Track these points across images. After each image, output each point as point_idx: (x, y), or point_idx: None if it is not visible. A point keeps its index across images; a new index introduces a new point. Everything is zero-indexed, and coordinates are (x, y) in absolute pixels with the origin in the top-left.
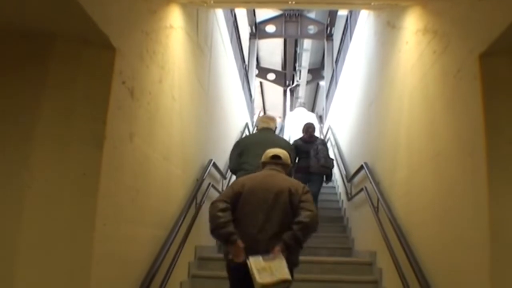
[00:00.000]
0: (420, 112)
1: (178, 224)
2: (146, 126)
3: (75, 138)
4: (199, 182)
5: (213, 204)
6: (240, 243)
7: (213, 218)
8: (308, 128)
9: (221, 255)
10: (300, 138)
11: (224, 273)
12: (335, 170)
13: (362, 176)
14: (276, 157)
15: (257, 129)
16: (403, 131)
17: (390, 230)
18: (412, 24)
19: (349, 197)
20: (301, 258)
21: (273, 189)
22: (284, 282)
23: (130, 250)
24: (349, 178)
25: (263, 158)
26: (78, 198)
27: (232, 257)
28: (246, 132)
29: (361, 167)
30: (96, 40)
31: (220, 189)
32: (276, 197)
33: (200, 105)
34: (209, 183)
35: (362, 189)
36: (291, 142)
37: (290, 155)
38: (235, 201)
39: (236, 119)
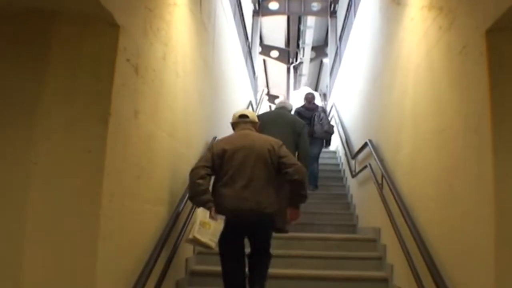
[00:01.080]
0: (425, 88)
1: (183, 201)
2: (151, 103)
3: (80, 115)
4: None
5: (193, 170)
6: (213, 211)
7: (192, 185)
8: (308, 95)
9: None
10: (302, 106)
11: None
12: (339, 148)
13: (366, 153)
14: (244, 116)
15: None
16: (408, 108)
17: (394, 206)
18: (417, 1)
19: (353, 174)
20: (306, 235)
21: (253, 148)
22: (208, 247)
23: (136, 226)
24: (353, 155)
25: (232, 119)
26: (84, 175)
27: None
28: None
29: (365, 144)
30: (100, 17)
31: None
32: (257, 156)
33: (204, 82)
34: None
35: (366, 166)
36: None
37: (303, 132)
38: (216, 163)
39: (239, 97)
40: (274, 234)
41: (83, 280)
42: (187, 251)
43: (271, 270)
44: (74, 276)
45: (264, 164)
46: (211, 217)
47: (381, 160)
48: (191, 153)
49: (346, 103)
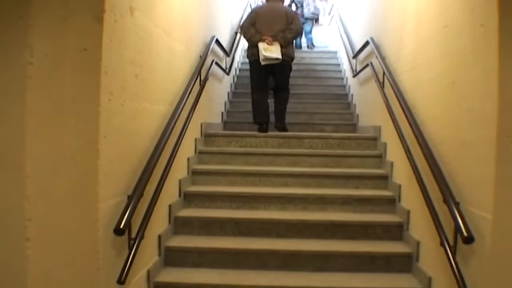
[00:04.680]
0: None
1: (183, 100)
2: (146, 0)
3: (73, 12)
4: (203, 58)
5: (242, 26)
6: (268, 39)
7: (246, 32)
8: None
9: (226, 132)
10: None
11: (229, 149)
12: (341, 48)
13: (368, 52)
14: None
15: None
16: (411, 4)
17: (395, 104)
18: None
19: (354, 73)
20: (307, 134)
21: (276, 12)
22: (277, 59)
23: (137, 126)
24: (354, 55)
25: None
26: (81, 73)
27: (250, 56)
28: (248, 9)
29: (367, 43)
30: None
31: (224, 66)
32: (279, 16)
33: None
34: (213, 60)
35: (367, 65)
36: None
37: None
38: (253, 21)
39: None
40: (275, 133)
41: (85, 180)
42: (187, 151)
43: (273, 168)
44: (76, 175)
45: (282, 20)
46: (268, 42)
47: (383, 58)
48: (190, 52)
49: (347, 1)
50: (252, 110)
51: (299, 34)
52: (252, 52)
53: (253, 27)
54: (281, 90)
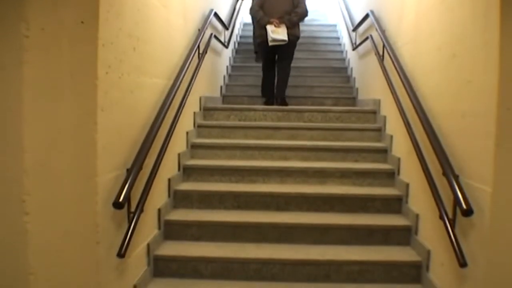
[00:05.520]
0: None
1: (182, 73)
2: None
3: None
4: (201, 32)
5: (252, 8)
6: (275, 22)
7: (255, 14)
8: None
9: (225, 106)
10: None
11: (228, 123)
12: (341, 21)
13: (368, 24)
14: None
15: None
16: None
17: (395, 77)
18: None
19: (354, 46)
20: (306, 107)
21: None
22: (283, 40)
23: (135, 99)
24: (354, 28)
25: None
26: (78, 46)
27: (258, 37)
28: None
29: (367, 16)
30: None
31: (222, 40)
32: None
33: None
34: (211, 34)
35: (367, 38)
36: None
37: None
38: (262, 4)
39: None
40: (274, 107)
41: (84, 153)
42: (186, 125)
43: (272, 142)
44: (75, 149)
45: (288, 3)
46: (275, 25)
47: (383, 31)
48: (188, 25)
49: None
50: (262, 86)
51: (305, 16)
52: (261, 33)
53: (261, 10)
54: (284, 59)
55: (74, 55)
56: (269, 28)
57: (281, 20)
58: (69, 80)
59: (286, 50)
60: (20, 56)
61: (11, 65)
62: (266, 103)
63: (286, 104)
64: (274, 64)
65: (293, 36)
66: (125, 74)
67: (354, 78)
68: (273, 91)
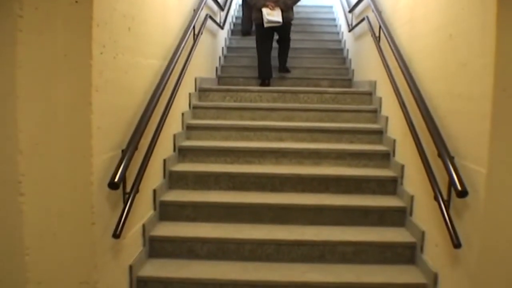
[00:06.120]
0: None
1: (177, 54)
2: None
3: None
4: (196, 12)
5: None
6: (270, 5)
7: (251, 1)
8: None
9: (221, 87)
10: None
11: (224, 103)
12: (337, 2)
13: (364, 5)
14: None
15: None
16: None
17: (391, 58)
18: None
19: (350, 28)
20: (301, 88)
21: None
22: (278, 22)
23: (130, 79)
24: (350, 9)
25: None
26: (72, 26)
27: (255, 19)
28: None
29: None
30: None
31: (218, 21)
32: None
33: None
34: (207, 14)
35: (363, 19)
36: None
37: None
38: None
39: None
40: (269, 88)
41: (79, 134)
42: (181, 106)
43: (268, 123)
44: (70, 129)
45: None
46: (270, 8)
47: (379, 12)
48: (183, 5)
49: None
50: (258, 67)
51: (298, 0)
52: (257, 15)
53: None
54: (283, 40)
55: (68, 35)
56: (265, 11)
57: (276, 4)
58: (63, 60)
59: (282, 30)
60: (14, 36)
61: (5, 45)
62: (261, 85)
63: (288, 71)
64: (270, 46)
65: (288, 19)
66: (119, 54)
67: (350, 60)
68: (270, 72)
